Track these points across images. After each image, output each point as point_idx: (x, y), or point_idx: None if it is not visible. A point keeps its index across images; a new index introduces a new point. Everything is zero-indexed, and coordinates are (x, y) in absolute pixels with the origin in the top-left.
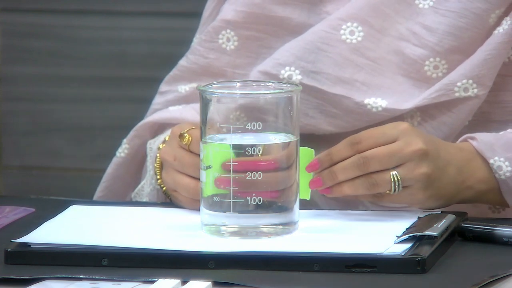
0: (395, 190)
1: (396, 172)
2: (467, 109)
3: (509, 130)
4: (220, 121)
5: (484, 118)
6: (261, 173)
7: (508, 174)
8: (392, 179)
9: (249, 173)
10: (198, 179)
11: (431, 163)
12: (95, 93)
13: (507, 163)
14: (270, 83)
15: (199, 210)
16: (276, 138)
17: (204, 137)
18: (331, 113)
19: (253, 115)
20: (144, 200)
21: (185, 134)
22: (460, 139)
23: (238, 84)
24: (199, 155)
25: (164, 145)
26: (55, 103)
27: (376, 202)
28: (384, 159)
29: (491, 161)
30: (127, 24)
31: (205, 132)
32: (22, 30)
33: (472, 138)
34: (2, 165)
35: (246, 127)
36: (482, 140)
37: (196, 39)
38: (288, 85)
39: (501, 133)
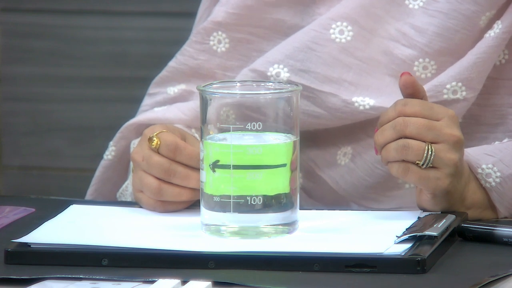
0: (424, 163)
1: (432, 145)
2: (455, 112)
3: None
4: (220, 121)
5: (474, 121)
6: (261, 173)
7: (497, 180)
8: (426, 149)
9: (249, 173)
10: (163, 180)
11: (461, 155)
12: (95, 93)
13: (495, 168)
14: (270, 83)
15: (160, 212)
16: (276, 138)
17: (204, 137)
18: (315, 113)
19: (253, 115)
20: (129, 200)
21: (154, 138)
22: None
23: (238, 84)
24: (168, 157)
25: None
26: (55, 103)
27: (400, 177)
28: (423, 128)
29: (479, 170)
30: (127, 24)
31: (205, 132)
32: (22, 30)
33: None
34: (2, 165)
35: (246, 127)
36: (468, 152)
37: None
38: (288, 85)
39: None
